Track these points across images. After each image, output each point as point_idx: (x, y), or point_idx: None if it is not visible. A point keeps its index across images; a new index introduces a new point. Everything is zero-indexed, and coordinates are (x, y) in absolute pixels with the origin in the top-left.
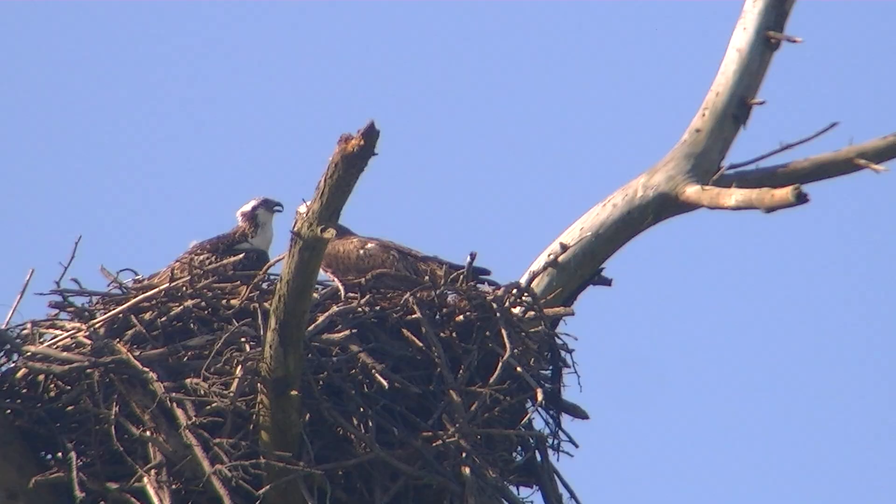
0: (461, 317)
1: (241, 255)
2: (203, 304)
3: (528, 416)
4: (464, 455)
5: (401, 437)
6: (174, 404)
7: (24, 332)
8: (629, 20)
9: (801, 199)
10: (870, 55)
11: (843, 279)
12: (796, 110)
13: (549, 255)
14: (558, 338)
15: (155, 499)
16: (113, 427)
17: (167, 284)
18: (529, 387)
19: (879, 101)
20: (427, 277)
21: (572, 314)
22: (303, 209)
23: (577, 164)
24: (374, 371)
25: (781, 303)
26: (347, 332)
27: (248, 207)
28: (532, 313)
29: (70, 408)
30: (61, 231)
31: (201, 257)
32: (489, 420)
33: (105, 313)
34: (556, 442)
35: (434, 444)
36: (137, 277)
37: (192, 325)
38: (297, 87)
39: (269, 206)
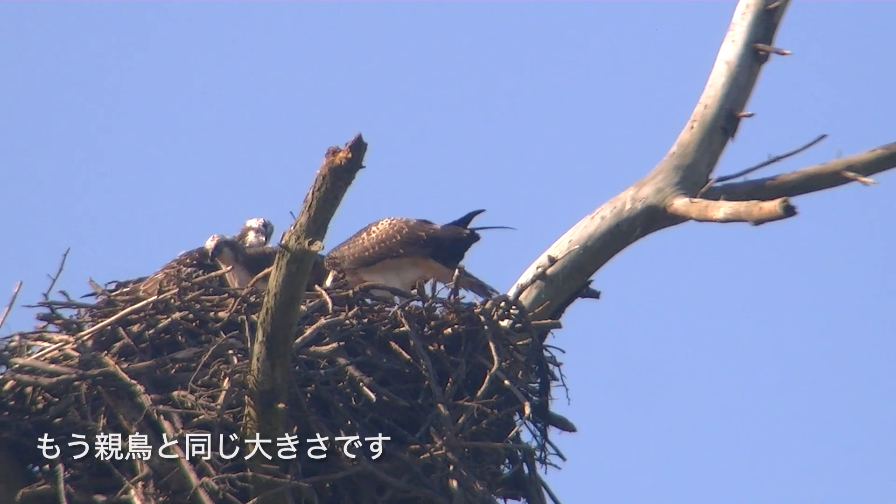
0: (449, 330)
1: (229, 268)
2: (191, 316)
3: (515, 429)
4: (451, 468)
5: (388, 450)
6: (161, 416)
7: (13, 344)
8: (617, 32)
9: (790, 211)
10: (859, 68)
11: (831, 292)
12: (785, 123)
13: (537, 268)
14: (546, 351)
15: None
16: None
17: (155, 297)
18: (517, 400)
19: (868, 113)
20: (416, 290)
21: (560, 327)
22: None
23: (566, 177)
24: (361, 384)
25: (770, 315)
26: (335, 345)
27: (246, 224)
28: (520, 326)
29: (57, 420)
30: (50, 243)
31: (188, 269)
32: (477, 433)
33: (93, 325)
34: (543, 455)
35: (422, 457)
36: (122, 282)
37: (179, 338)
38: (288, 95)
39: (258, 231)
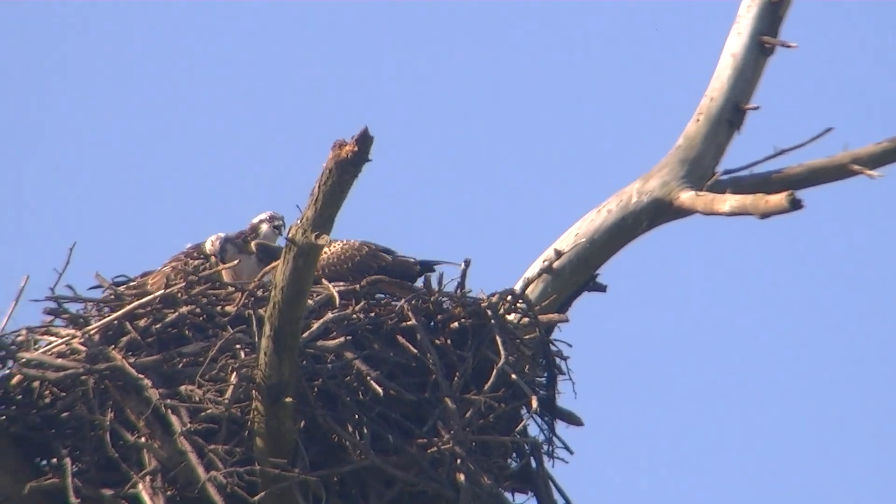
0: (456, 324)
1: (236, 262)
2: (198, 310)
3: (522, 422)
4: (459, 462)
5: (396, 443)
6: (169, 411)
7: (20, 338)
8: (623, 25)
9: (796, 205)
10: (865, 60)
11: (837, 285)
12: (791, 115)
13: (543, 262)
14: (553, 344)
15: None
16: (108, 433)
17: (162, 291)
18: (524, 394)
19: (874, 106)
20: (423, 284)
21: (567, 321)
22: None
23: (572, 170)
24: (368, 378)
25: (776, 309)
26: (342, 339)
27: (255, 220)
28: (527, 320)
29: (65, 414)
30: (56, 237)
31: (195, 262)
32: (484, 427)
33: (100, 320)
34: (550, 448)
35: (429, 451)
36: (125, 278)
37: (186, 332)
38: (294, 90)
39: (272, 221)
